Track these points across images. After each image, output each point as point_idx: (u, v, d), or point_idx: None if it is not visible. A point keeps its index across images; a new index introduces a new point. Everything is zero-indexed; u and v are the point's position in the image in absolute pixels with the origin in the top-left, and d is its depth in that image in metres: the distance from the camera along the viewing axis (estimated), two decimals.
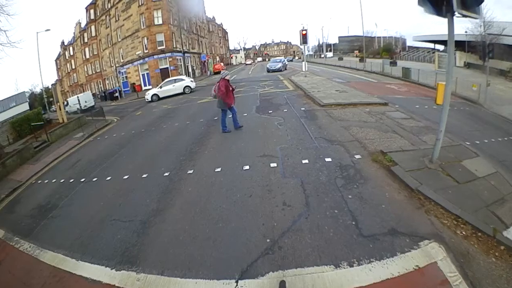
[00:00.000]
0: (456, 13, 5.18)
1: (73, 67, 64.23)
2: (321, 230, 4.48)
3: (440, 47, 66.07)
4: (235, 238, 4.56)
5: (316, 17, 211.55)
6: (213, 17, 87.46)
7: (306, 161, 6.93)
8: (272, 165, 6.87)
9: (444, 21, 5.64)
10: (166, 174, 7.40)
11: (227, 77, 9.87)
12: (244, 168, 6.87)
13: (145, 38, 41.34)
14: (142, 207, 6.11)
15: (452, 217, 4.74)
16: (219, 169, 7.04)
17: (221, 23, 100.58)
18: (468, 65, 44.80)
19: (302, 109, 12.57)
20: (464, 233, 4.44)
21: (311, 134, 8.95)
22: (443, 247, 4.10)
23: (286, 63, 44.77)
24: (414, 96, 17.66)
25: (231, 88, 9.71)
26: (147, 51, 41.38)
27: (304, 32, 23.84)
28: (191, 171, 7.25)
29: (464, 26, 41.02)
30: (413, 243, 4.14)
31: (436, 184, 5.71)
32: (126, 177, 7.87)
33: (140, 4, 41.20)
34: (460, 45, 38.50)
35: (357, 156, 7.09)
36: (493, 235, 4.36)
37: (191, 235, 4.82)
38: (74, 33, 61.42)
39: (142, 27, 41.37)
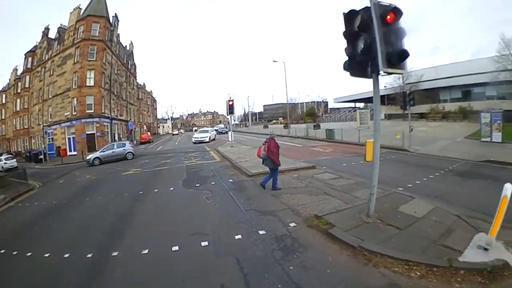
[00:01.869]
0: (381, 72, 6.06)
1: (3, 117, 60.01)
2: None
3: (360, 104, 75.37)
4: None
5: (242, 87, 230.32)
6: (144, 84, 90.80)
7: (239, 236, 6.90)
8: (204, 243, 6.67)
9: (363, 80, 6.57)
10: (89, 255, 6.66)
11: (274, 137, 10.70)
12: (173, 249, 6.55)
13: (75, 99, 42.55)
14: None
15: (402, 263, 4.99)
16: (146, 251, 6.59)
17: (151, 91, 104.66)
18: (389, 116, 51.44)
19: (230, 180, 13.03)
20: (418, 273, 4.70)
21: (241, 206, 9.13)
22: None
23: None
24: (340, 155, 19.64)
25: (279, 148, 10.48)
26: (75, 113, 42.50)
27: (230, 103, 26.05)
28: (116, 253, 6.65)
29: (383, 81, 48.13)
30: None
31: (378, 237, 6.06)
32: (47, 255, 7.03)
33: (75, 61, 43.29)
34: (381, 99, 44.28)
35: (292, 224, 7.29)
36: (449, 265, 4.75)
37: None
38: (9, 79, 58.73)
39: (73, 87, 42.88)
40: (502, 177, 11.27)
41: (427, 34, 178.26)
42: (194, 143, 38.85)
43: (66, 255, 6.95)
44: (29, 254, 7.41)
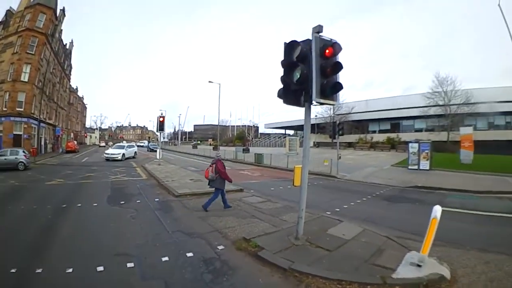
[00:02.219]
0: (314, 102, 6.29)
1: None
2: None
3: (290, 131, 78.17)
4: None
5: (175, 104, 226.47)
6: (76, 88, 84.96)
7: (166, 258, 6.58)
8: (129, 265, 6.24)
9: (294, 108, 6.76)
10: (13, 270, 5.82)
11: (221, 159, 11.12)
12: (98, 270, 6.03)
13: (8, 93, 39.01)
14: None
15: (335, 283, 5.06)
16: (70, 270, 5.99)
17: (83, 96, 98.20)
18: (318, 144, 53.96)
19: (156, 199, 12.64)
20: None
21: (168, 227, 8.80)
22: None
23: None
24: (268, 179, 20.15)
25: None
26: (5, 109, 38.62)
27: (161, 119, 25.49)
28: (40, 270, 5.94)
29: (314, 110, 50.64)
30: None
31: (309, 258, 6.13)
32: None
33: (14, 51, 40.12)
34: (311, 127, 46.77)
35: (220, 247, 7.17)
36: (383, 282, 4.91)
37: None
38: None
39: (8, 79, 39.40)
40: (428, 200, 12.48)
41: (360, 70, 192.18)
42: (106, 160, 34.21)
43: None
44: None
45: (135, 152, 41.76)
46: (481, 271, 5.31)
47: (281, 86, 6.74)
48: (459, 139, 26.79)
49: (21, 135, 38.72)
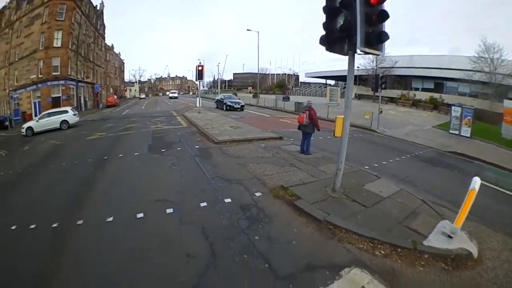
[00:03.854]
0: (358, 50, 5.98)
1: None
2: (234, 280, 4.27)
3: (331, 81, 75.93)
4: None
5: (214, 54, 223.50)
6: (112, 45, 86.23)
7: (205, 204, 6.83)
8: (168, 211, 6.56)
9: (335, 58, 6.47)
10: (55, 225, 6.39)
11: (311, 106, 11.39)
12: (138, 216, 6.40)
13: (41, 61, 40.25)
14: (26, 268, 5.08)
15: (367, 241, 5.11)
16: (111, 219, 6.40)
17: (119, 53, 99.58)
18: (359, 96, 52.47)
19: (196, 147, 12.85)
20: (383, 252, 4.83)
21: (207, 174, 9.03)
22: (366, 270, 4.37)
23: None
24: None
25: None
26: (41, 76, 40.19)
27: (200, 68, 25.17)
28: (80, 222, 6.42)
29: (357, 61, 48.58)
30: (334, 274, 4.27)
31: (344, 212, 6.16)
32: (13, 227, 6.65)
33: (43, 21, 40.62)
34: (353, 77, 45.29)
35: (258, 194, 7.31)
36: (413, 247, 4.90)
37: None
38: None
39: (40, 48, 40.35)
40: (466, 169, 11.94)
41: (405, 25, 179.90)
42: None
43: (32, 226, 6.65)
44: None
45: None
46: (505, 258, 5.08)
47: (324, 33, 6.43)
48: (502, 111, 24.94)
49: (59, 97, 40.03)
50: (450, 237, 5.20)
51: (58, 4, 40.90)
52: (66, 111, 25.79)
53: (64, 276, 4.88)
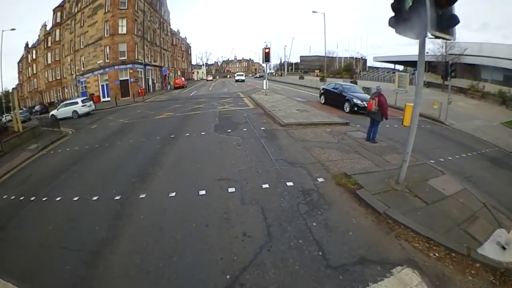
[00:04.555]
0: (429, 34, 5.53)
1: (34, 71, 61.78)
2: (286, 263, 4.36)
3: (400, 67, 71.53)
4: (191, 275, 4.35)
5: (280, 36, 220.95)
6: (178, 30, 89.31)
7: (267, 185, 6.93)
8: (230, 190, 6.79)
9: (403, 43, 6.01)
10: (117, 197, 7.02)
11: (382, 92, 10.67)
12: (200, 193, 6.72)
13: (108, 47, 42.12)
14: (92, 234, 5.69)
15: (423, 240, 4.89)
16: (173, 194, 6.83)
17: (185, 37, 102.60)
18: (428, 84, 48.90)
19: (262, 128, 12.90)
20: (437, 255, 4.59)
21: (271, 155, 9.08)
22: (417, 272, 4.20)
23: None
24: None
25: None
26: (108, 61, 42.18)
27: (267, 50, 25.15)
28: (143, 195, 6.97)
29: (426, 47, 45.07)
30: (385, 271, 4.18)
31: (404, 206, 5.91)
32: (76, 198, 7.43)
33: (106, 11, 42.15)
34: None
35: (320, 179, 7.23)
36: (467, 253, 4.58)
37: (143, 271, 4.55)
38: (39, 35, 59.35)
39: (105, 35, 42.18)
40: None
41: (477, 9, 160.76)
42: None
43: (95, 198, 7.20)
44: (58, 199, 7.67)
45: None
46: None
47: (392, 14, 5.98)
48: None
49: (127, 80, 41.79)
50: (504, 248, 4.73)
51: None
52: (76, 103, 27.01)
53: (126, 239, 5.36)
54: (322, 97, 22.55)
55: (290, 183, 6.97)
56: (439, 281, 4.05)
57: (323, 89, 23.23)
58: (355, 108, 17.64)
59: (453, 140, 13.84)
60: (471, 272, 4.29)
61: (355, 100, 17.86)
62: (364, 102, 16.28)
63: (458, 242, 4.83)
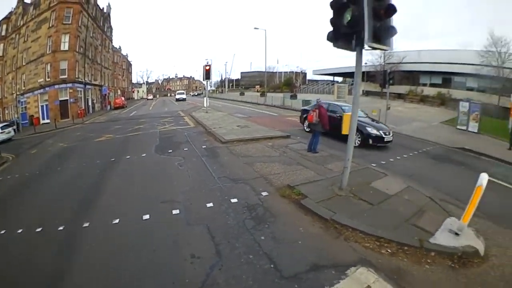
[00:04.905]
0: (366, 46, 5.92)
1: None
2: (239, 280, 4.27)
3: (339, 78, 75.62)
4: None
5: (221, 53, 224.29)
6: (120, 47, 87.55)
7: (211, 204, 6.88)
8: (175, 211, 6.63)
9: (343, 55, 6.35)
10: (61, 228, 6.49)
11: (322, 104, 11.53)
12: (144, 218, 6.48)
13: (49, 65, 40.47)
14: (39, 270, 5.21)
15: (373, 239, 5.08)
16: (117, 221, 6.48)
17: (127, 54, 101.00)
18: (366, 93, 52.18)
19: (203, 147, 12.97)
20: (389, 251, 4.81)
21: (214, 173, 9.08)
22: (372, 269, 4.35)
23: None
24: None
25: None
26: (49, 79, 40.40)
27: (207, 67, 25.46)
28: (87, 224, 6.52)
29: (364, 58, 48.38)
30: (340, 274, 4.27)
31: (350, 210, 6.14)
32: (20, 231, 6.80)
33: (50, 25, 41.06)
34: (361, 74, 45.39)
35: (264, 193, 7.33)
36: (420, 245, 4.87)
37: None
38: None
39: (47, 52, 40.73)
40: (474, 165, 11.77)
41: (417, 19, 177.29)
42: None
43: (39, 229, 6.73)
44: (2, 232, 7.12)
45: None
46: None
47: (331, 29, 6.38)
48: (509, 105, 24.49)
49: (67, 100, 40.14)
50: (457, 234, 5.13)
51: (64, 8, 41.08)
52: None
53: (76, 272, 4.96)
54: (304, 121, 16.54)
55: (234, 200, 6.99)
56: (396, 275, 4.24)
57: (303, 109, 19.25)
58: (370, 141, 13.24)
59: (394, 142, 14.73)
60: (427, 261, 4.57)
61: (369, 130, 13.34)
62: (381, 132, 13.35)
63: (409, 236, 5.10)
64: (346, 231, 5.36)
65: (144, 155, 12.39)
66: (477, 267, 4.57)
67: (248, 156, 10.82)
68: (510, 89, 33.15)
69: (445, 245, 4.87)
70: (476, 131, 20.29)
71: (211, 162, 10.32)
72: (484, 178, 4.92)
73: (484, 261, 4.74)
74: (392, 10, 5.72)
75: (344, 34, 6.22)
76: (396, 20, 5.93)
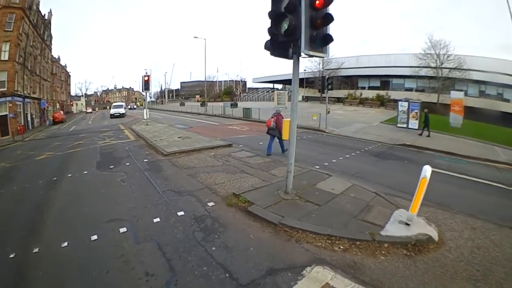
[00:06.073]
0: (303, 54, 6.10)
1: None
2: None
3: (279, 86, 77.54)
4: None
5: (160, 63, 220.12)
6: (58, 57, 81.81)
7: (158, 219, 6.68)
8: (122, 230, 6.34)
9: (282, 62, 6.52)
10: (12, 255, 5.89)
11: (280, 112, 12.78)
12: (92, 239, 6.15)
13: None
14: None
15: (324, 238, 5.25)
16: (65, 244, 6.07)
17: (65, 65, 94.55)
18: (306, 99, 54.22)
19: (145, 160, 12.63)
20: (342, 247, 5.00)
21: (158, 188, 8.86)
22: (328, 267, 4.49)
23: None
24: (257, 134, 20.05)
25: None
26: None
27: (146, 78, 24.89)
28: (36, 250, 6.02)
29: (304, 64, 50.69)
30: (296, 275, 4.35)
31: (298, 213, 6.27)
32: None
33: None
34: (299, 82, 47.21)
35: (211, 204, 7.29)
36: (372, 238, 5.11)
37: None
38: None
39: None
40: (417, 159, 12.72)
41: (358, 27, 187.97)
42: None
43: None
44: None
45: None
46: (468, 236, 5.48)
47: (269, 38, 6.52)
48: (449, 102, 27.08)
49: (6, 115, 36.90)
50: (407, 224, 5.46)
51: (7, 13, 38.28)
52: None
53: None
54: None
55: (181, 213, 6.86)
56: (353, 269, 4.42)
57: None
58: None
59: (335, 144, 15.56)
60: (382, 253, 4.82)
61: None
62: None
63: (360, 231, 5.32)
64: (297, 233, 5.47)
65: (85, 172, 11.86)
66: (434, 252, 4.90)
67: (191, 167, 10.70)
68: (449, 87, 36.97)
69: (397, 236, 5.15)
70: (416, 127, 22.05)
71: (154, 176, 10.09)
72: (427, 170, 5.28)
73: (440, 246, 5.11)
74: (329, 19, 5.97)
75: (281, 43, 6.41)
76: (336, 27, 6.24)
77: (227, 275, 4.49)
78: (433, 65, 40.36)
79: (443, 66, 40.11)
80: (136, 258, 5.30)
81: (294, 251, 4.96)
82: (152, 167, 11.37)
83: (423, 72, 40.93)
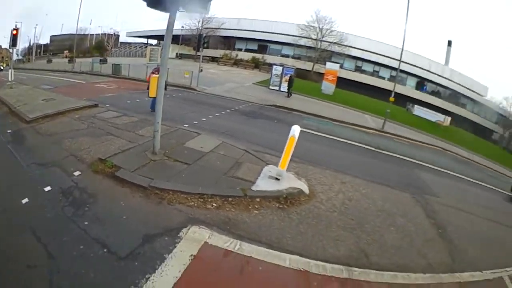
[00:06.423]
0: (180, 7, 5.71)
1: None
2: (81, 277, 3.87)
3: (153, 41, 73.77)
4: None
5: (34, 14, 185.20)
6: None
7: (26, 199, 5.75)
8: None
9: (161, 17, 5.98)
10: None
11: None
12: None
13: None
14: None
15: (196, 197, 5.31)
16: None
17: None
18: (180, 56, 52.84)
19: (8, 131, 10.41)
20: (215, 205, 5.12)
21: (22, 161, 7.55)
22: (203, 226, 4.59)
23: None
24: (125, 92, 18.82)
25: None
26: None
27: (15, 32, 20.31)
28: None
29: (183, 21, 48.67)
30: (174, 238, 4.35)
31: (168, 173, 6.21)
32: None
33: None
34: (175, 38, 45.85)
35: (77, 173, 6.58)
36: (243, 194, 5.34)
37: None
38: None
39: None
40: (286, 119, 13.45)
41: None
42: None
43: None
44: None
45: None
46: (338, 189, 6.08)
47: None
48: (324, 71, 29.43)
49: None
50: (277, 179, 5.81)
51: None
52: None
53: None
54: None
55: (48, 188, 6.00)
56: (228, 225, 4.59)
57: None
58: None
59: (206, 103, 15.53)
60: (255, 207, 5.06)
61: None
62: None
63: (231, 188, 5.53)
64: (168, 195, 5.41)
65: None
66: (306, 204, 5.34)
67: (56, 133, 9.48)
68: (325, 58, 40.55)
69: (268, 190, 5.48)
70: (287, 90, 23.18)
71: (18, 149, 8.53)
72: (296, 129, 5.66)
73: (312, 198, 5.56)
74: None
75: None
76: None
77: (105, 250, 4.25)
78: (314, 37, 43.29)
79: (323, 39, 43.22)
80: (16, 251, 4.55)
81: (167, 214, 4.93)
82: (16, 138, 9.63)
83: (302, 41, 43.62)
